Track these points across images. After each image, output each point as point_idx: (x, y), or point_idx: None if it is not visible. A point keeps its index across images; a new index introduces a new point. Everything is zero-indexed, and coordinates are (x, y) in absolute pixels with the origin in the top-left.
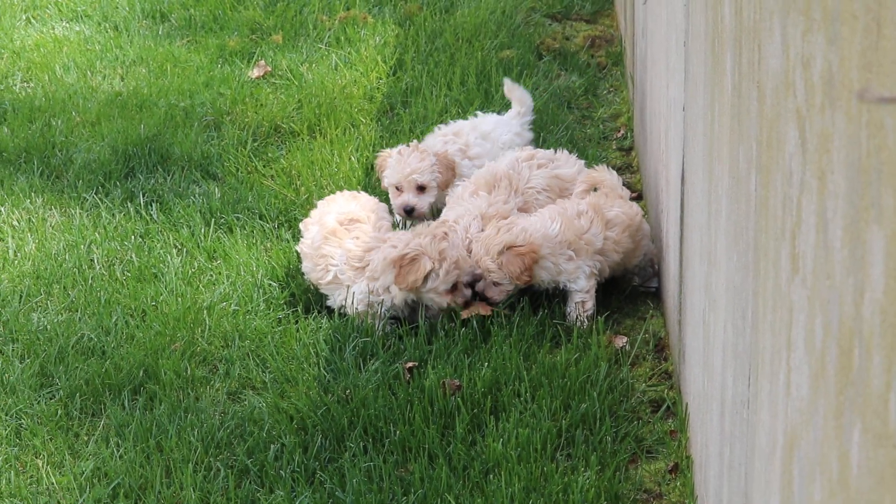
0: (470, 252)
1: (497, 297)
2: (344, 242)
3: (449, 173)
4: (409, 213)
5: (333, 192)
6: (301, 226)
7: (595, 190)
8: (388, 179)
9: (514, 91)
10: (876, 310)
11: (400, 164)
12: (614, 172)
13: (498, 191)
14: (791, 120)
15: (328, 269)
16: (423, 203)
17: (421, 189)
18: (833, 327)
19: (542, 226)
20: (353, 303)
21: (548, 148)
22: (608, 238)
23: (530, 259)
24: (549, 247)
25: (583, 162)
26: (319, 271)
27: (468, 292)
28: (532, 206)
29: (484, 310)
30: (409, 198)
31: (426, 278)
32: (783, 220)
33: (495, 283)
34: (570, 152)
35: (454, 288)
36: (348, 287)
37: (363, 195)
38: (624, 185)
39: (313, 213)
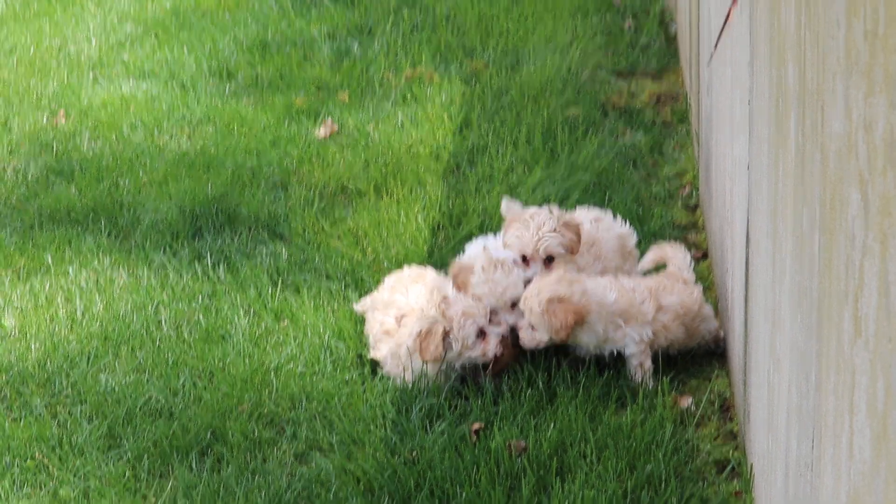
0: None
1: (526, 341)
2: (393, 342)
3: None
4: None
5: (399, 252)
6: (360, 308)
7: (663, 266)
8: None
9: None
10: None
11: (489, 283)
12: (687, 253)
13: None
14: (853, 183)
15: (382, 365)
16: (518, 319)
17: (514, 305)
18: (894, 390)
19: (602, 292)
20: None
21: (615, 208)
22: (658, 320)
23: (574, 318)
24: (602, 314)
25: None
26: (375, 353)
27: (499, 330)
28: (607, 271)
29: (510, 357)
30: (507, 318)
31: (445, 342)
32: (846, 282)
33: (531, 327)
34: (637, 211)
35: (482, 335)
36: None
37: (429, 272)
38: (689, 244)
39: (378, 297)
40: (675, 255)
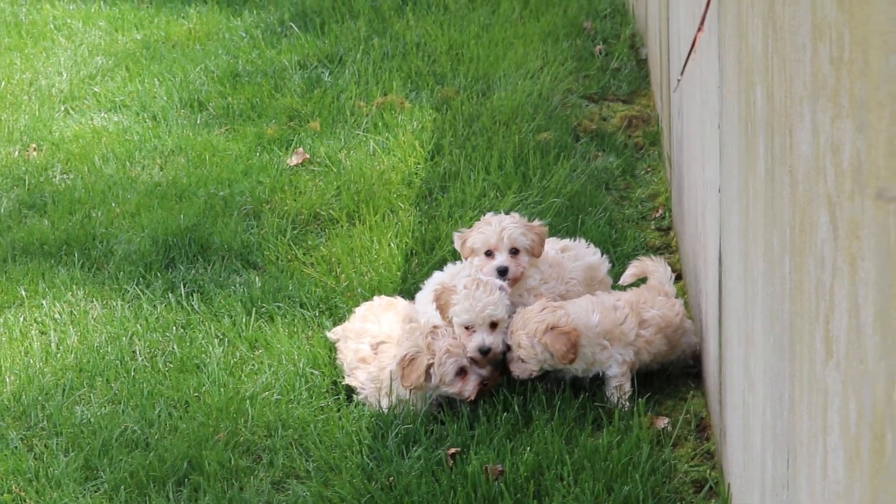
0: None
1: (518, 373)
2: (370, 368)
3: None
4: (485, 353)
5: (373, 279)
6: (333, 336)
7: (644, 280)
8: (458, 319)
9: None
10: None
11: (469, 300)
12: (667, 266)
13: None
14: (822, 205)
15: (358, 391)
16: (496, 341)
17: (493, 326)
18: (866, 412)
19: (584, 314)
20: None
21: (588, 231)
22: (640, 336)
23: (574, 337)
24: (587, 336)
25: (597, 249)
26: (350, 381)
27: (483, 372)
28: (572, 296)
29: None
30: (485, 337)
31: (428, 373)
32: (817, 304)
33: (521, 360)
34: (610, 233)
35: (463, 373)
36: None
37: (400, 302)
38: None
39: (349, 326)
40: (656, 268)
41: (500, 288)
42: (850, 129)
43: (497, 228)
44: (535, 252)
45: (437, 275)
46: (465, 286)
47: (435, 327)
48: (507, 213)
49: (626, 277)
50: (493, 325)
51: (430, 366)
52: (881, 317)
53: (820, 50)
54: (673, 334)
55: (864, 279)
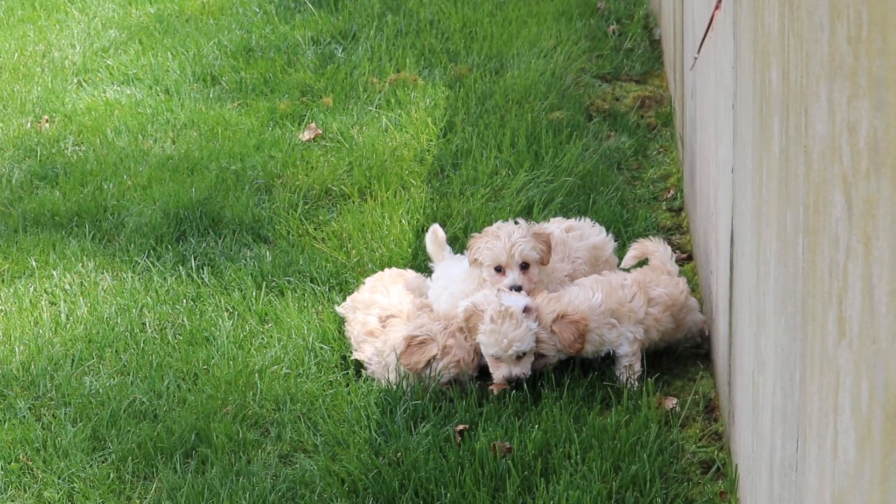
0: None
1: (537, 367)
2: (378, 342)
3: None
4: (512, 382)
5: (384, 255)
6: (342, 310)
7: (645, 261)
8: (485, 349)
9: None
10: None
11: (495, 335)
12: (667, 246)
13: (555, 253)
14: (837, 185)
15: (365, 366)
16: (523, 370)
17: (520, 357)
18: (878, 392)
19: (585, 297)
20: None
21: (599, 210)
22: (649, 314)
23: (583, 326)
24: (594, 318)
25: (602, 228)
26: (358, 355)
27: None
28: (578, 276)
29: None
30: (512, 370)
31: (428, 364)
32: (830, 284)
33: (539, 356)
34: (621, 213)
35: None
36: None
37: (409, 274)
38: (674, 246)
39: (358, 297)
40: (657, 248)
41: (526, 310)
42: (867, 108)
43: (506, 244)
44: (545, 261)
45: (440, 268)
46: (492, 318)
47: (460, 329)
48: (515, 220)
49: (627, 260)
50: (520, 357)
51: (433, 358)
52: (895, 296)
53: (837, 29)
54: (678, 312)
55: (879, 258)
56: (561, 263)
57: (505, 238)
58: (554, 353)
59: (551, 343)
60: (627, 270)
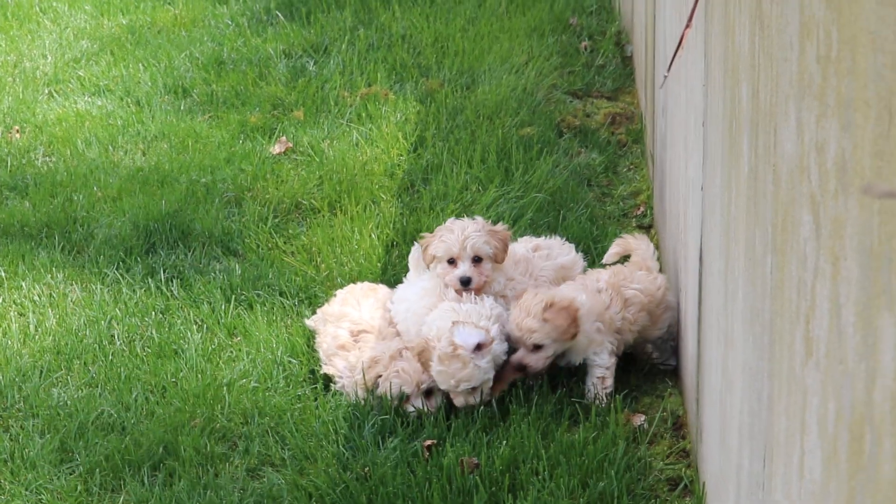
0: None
1: (535, 365)
2: (349, 356)
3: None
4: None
5: (353, 269)
6: (312, 324)
7: (627, 257)
8: (437, 384)
9: None
10: (887, 396)
11: (443, 375)
12: (650, 243)
13: (517, 268)
14: (805, 205)
15: (335, 380)
16: (476, 400)
17: (472, 391)
18: (845, 412)
19: (571, 293)
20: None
21: (569, 227)
22: (625, 318)
23: (574, 311)
24: (583, 312)
25: (573, 246)
26: (328, 369)
27: (438, 401)
28: None
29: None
30: (467, 398)
31: (375, 381)
32: (798, 303)
33: (536, 348)
34: (591, 230)
35: (429, 393)
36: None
37: (381, 289)
38: None
39: (329, 310)
40: (639, 245)
41: (479, 347)
42: (835, 128)
43: (459, 237)
44: (499, 258)
45: (400, 290)
46: (440, 358)
47: (399, 350)
48: (471, 217)
49: (609, 256)
50: (472, 391)
51: (379, 376)
52: (862, 316)
53: (807, 48)
54: (655, 309)
55: (847, 278)
56: (522, 277)
57: (458, 231)
58: (550, 343)
59: (544, 332)
60: (605, 267)
